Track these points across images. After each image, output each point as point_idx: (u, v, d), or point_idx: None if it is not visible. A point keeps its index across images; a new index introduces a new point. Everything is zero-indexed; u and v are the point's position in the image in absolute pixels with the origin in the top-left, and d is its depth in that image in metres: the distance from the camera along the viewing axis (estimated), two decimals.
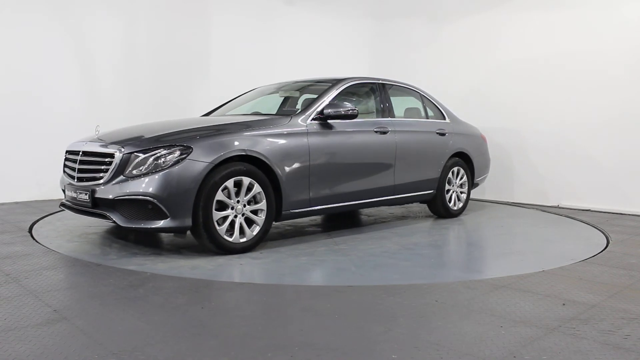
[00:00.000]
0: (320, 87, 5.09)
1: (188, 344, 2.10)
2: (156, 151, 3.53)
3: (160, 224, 3.46)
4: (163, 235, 4.33)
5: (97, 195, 3.57)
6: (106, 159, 3.64)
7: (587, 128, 6.44)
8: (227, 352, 2.04)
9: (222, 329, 2.28)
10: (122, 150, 3.58)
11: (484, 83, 7.45)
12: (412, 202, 5.47)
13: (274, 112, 4.88)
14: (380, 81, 5.21)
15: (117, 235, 4.30)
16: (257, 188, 3.78)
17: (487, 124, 7.42)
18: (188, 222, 3.49)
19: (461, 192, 5.86)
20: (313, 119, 4.29)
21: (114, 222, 3.52)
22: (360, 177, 4.62)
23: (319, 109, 4.36)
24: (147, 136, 3.74)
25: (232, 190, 3.67)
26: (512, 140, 7.17)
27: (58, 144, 6.29)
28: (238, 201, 3.70)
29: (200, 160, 3.53)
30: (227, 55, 7.67)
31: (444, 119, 5.81)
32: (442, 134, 5.58)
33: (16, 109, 6.03)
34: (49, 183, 6.26)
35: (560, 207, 6.54)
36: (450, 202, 5.68)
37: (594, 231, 4.96)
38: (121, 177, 3.52)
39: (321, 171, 4.24)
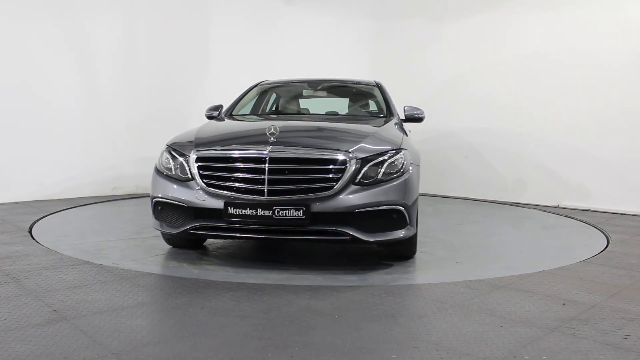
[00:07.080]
0: (325, 85, 5.12)
1: (188, 344, 2.10)
2: (384, 157, 3.25)
3: (402, 233, 3.23)
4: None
5: (317, 210, 3.03)
6: (328, 166, 3.13)
7: (588, 128, 6.45)
8: (227, 352, 2.04)
9: (222, 329, 2.28)
10: (357, 155, 3.17)
11: (483, 83, 7.45)
12: None
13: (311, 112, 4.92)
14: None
15: (117, 235, 4.30)
16: None
17: (487, 123, 7.43)
18: (415, 229, 3.36)
19: None
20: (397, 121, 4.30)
21: (350, 239, 3.09)
22: None
23: (396, 111, 4.37)
24: (356, 140, 3.38)
25: None
26: (513, 140, 7.16)
27: (58, 143, 6.32)
28: None
29: (417, 164, 3.44)
30: (228, 55, 7.66)
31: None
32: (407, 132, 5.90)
33: (17, 108, 6.02)
34: (49, 182, 6.28)
35: (560, 207, 6.53)
36: None
37: (594, 231, 4.96)
38: (353, 187, 3.11)
39: None
